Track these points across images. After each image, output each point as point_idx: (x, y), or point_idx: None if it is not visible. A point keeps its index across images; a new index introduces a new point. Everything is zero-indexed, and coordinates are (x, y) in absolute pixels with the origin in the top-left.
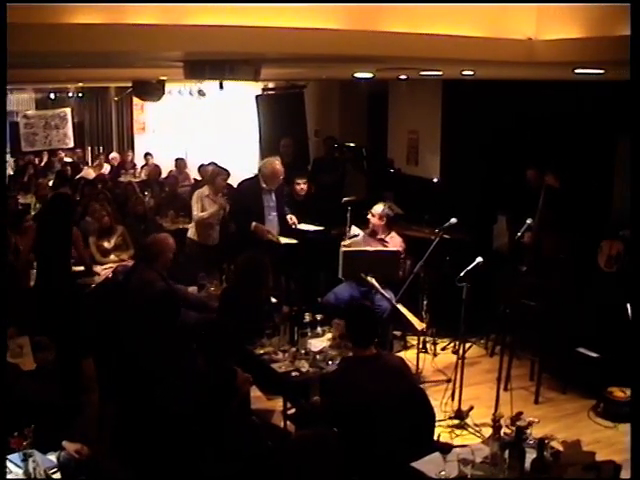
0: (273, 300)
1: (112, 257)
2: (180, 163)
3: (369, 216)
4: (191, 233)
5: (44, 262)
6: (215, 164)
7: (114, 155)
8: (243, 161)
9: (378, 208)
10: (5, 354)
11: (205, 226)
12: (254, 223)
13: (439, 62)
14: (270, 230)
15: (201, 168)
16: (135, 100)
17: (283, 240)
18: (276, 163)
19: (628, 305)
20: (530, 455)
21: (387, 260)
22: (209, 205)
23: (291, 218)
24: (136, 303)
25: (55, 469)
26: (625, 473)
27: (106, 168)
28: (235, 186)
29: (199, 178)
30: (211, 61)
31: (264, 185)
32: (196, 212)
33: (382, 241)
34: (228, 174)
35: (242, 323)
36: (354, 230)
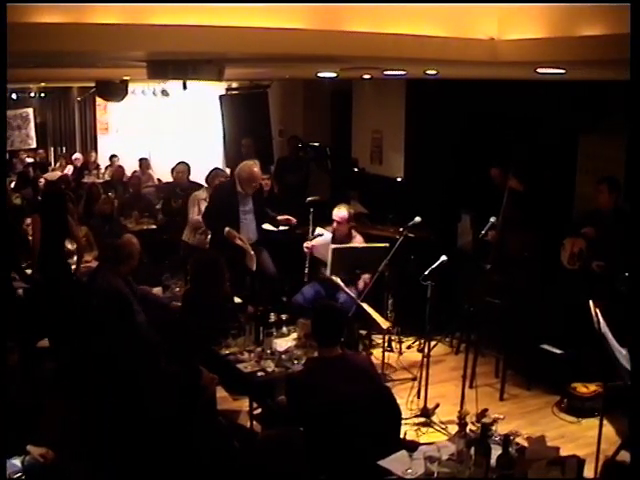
0: (238, 300)
1: (75, 258)
2: (143, 163)
3: (334, 224)
4: (185, 236)
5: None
6: (185, 164)
7: (77, 156)
8: (207, 161)
9: (343, 212)
10: (5, 355)
11: (196, 229)
12: (227, 228)
13: (403, 62)
14: (242, 236)
15: (176, 167)
16: (98, 100)
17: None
18: (254, 167)
19: (590, 302)
20: (496, 451)
21: (376, 255)
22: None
23: (288, 219)
24: (100, 304)
25: (20, 473)
26: (589, 467)
27: (69, 169)
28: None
29: (164, 179)
30: (174, 61)
31: (239, 189)
32: (191, 215)
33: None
34: (226, 176)
35: (205, 323)
36: (318, 230)
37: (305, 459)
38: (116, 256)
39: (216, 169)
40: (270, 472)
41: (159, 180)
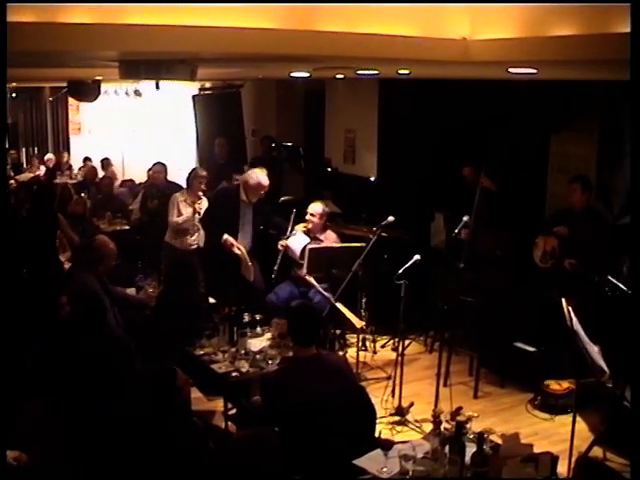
0: (212, 300)
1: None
2: (104, 163)
3: (308, 216)
4: (168, 238)
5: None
6: (162, 164)
7: (49, 156)
8: (180, 161)
9: (318, 207)
10: (5, 353)
11: (179, 231)
12: (225, 236)
13: (375, 61)
14: (240, 246)
15: (153, 168)
16: (70, 100)
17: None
18: (262, 175)
19: (563, 300)
20: (470, 449)
21: (351, 255)
22: (185, 210)
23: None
24: (73, 304)
25: None
26: (562, 463)
27: (41, 170)
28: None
29: (137, 179)
30: (147, 61)
31: (244, 197)
32: (171, 217)
33: (317, 239)
34: (206, 176)
35: (180, 324)
36: (298, 232)
37: (280, 459)
38: (91, 257)
39: (196, 169)
40: (245, 472)
41: (131, 180)
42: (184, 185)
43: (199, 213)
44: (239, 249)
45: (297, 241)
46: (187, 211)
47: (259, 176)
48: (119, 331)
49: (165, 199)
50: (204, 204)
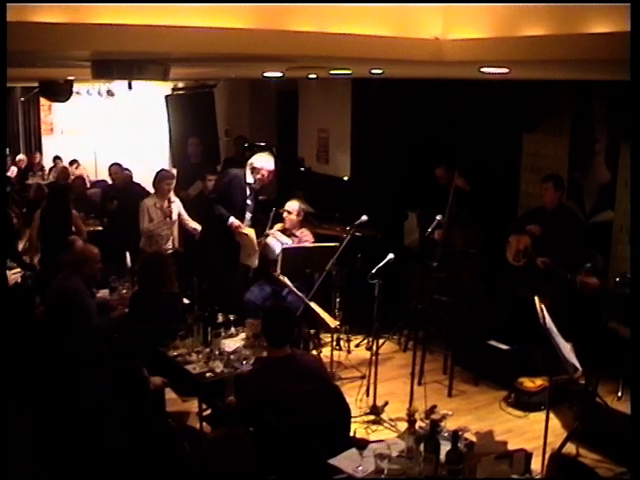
0: (186, 301)
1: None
2: (57, 162)
3: (285, 214)
4: (142, 244)
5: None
6: (119, 165)
7: (21, 157)
8: (153, 161)
9: (294, 205)
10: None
11: (152, 237)
12: (231, 218)
13: (348, 61)
14: (246, 228)
15: (110, 169)
16: (42, 101)
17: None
18: (268, 159)
19: (536, 298)
20: (445, 447)
21: (325, 255)
22: (156, 215)
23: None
24: (51, 304)
25: None
26: (536, 460)
27: (12, 170)
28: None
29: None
30: (119, 61)
31: (250, 180)
32: (142, 224)
33: (293, 236)
34: (173, 177)
35: (154, 324)
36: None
37: (254, 459)
38: (74, 261)
39: (161, 171)
40: (219, 472)
41: (104, 181)
42: (148, 186)
43: (170, 217)
44: (244, 230)
45: (277, 241)
46: (158, 215)
47: (265, 160)
48: (98, 332)
49: (126, 200)
50: (175, 206)
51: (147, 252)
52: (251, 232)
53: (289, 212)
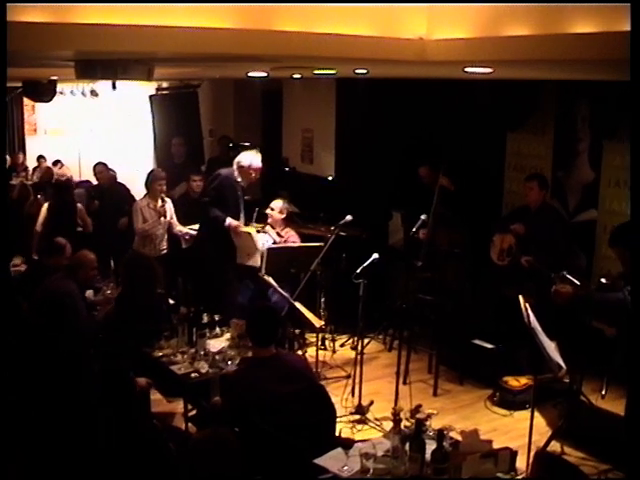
0: (170, 301)
1: None
2: (41, 161)
3: (268, 210)
4: (135, 245)
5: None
6: (104, 164)
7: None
8: (138, 162)
9: (278, 202)
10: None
11: (146, 238)
12: (228, 219)
13: (332, 61)
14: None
15: (95, 168)
16: (26, 100)
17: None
18: (255, 157)
19: (520, 297)
20: (430, 446)
21: (310, 254)
22: (150, 215)
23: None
24: (39, 304)
25: None
26: (521, 458)
27: None
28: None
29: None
30: (103, 60)
31: (239, 179)
32: (135, 224)
33: (278, 235)
34: (164, 177)
35: (140, 325)
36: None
37: (240, 459)
38: (70, 265)
39: (153, 171)
40: (205, 473)
41: (88, 181)
42: (132, 187)
43: (165, 216)
44: (244, 228)
45: (262, 240)
46: (152, 215)
47: (252, 158)
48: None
49: (110, 200)
50: (168, 206)
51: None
52: (252, 231)
53: (272, 209)
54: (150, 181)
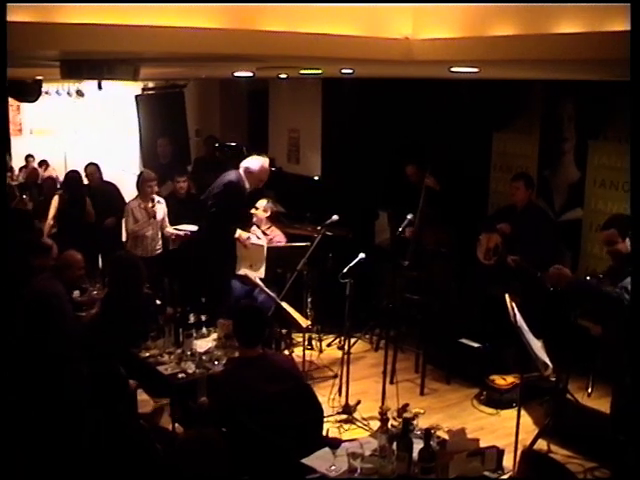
0: (157, 302)
1: None
2: (43, 164)
3: (253, 210)
4: (129, 246)
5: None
6: (96, 165)
7: None
8: (123, 162)
9: (262, 202)
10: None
11: (138, 238)
12: (238, 232)
13: (318, 60)
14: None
15: (87, 169)
16: (11, 100)
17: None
18: (266, 161)
19: (506, 295)
20: (417, 445)
21: (296, 254)
22: (141, 216)
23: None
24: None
25: None
26: (508, 457)
27: None
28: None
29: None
30: (88, 60)
31: (246, 184)
32: (126, 225)
33: (263, 233)
34: (154, 179)
35: (127, 325)
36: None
37: (227, 459)
38: (57, 265)
39: (143, 173)
40: (191, 473)
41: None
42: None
43: (155, 217)
44: (261, 244)
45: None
46: (142, 216)
47: (262, 163)
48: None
49: (101, 199)
50: (160, 207)
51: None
52: (263, 243)
53: (256, 208)
54: (140, 183)
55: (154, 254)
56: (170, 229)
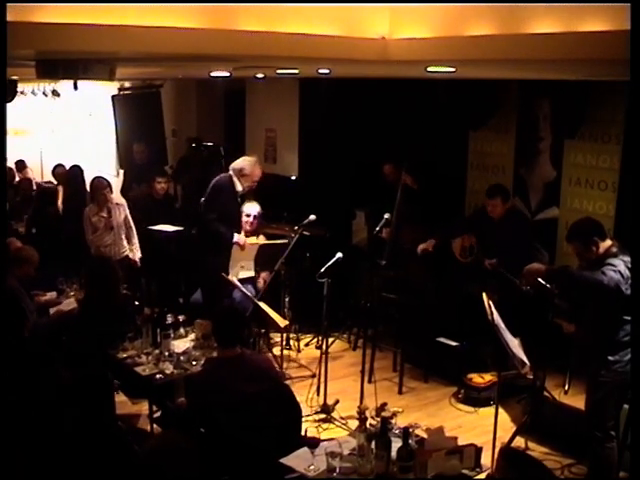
0: (135, 302)
1: None
2: (19, 165)
3: (245, 217)
4: (93, 252)
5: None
6: (62, 166)
7: None
8: (100, 162)
9: (256, 207)
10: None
11: (98, 248)
12: (236, 236)
13: (295, 60)
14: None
15: (55, 171)
16: None
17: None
18: (256, 164)
19: (484, 294)
20: (396, 444)
21: (273, 254)
22: (100, 225)
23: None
24: None
25: None
26: (486, 454)
27: None
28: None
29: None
30: (64, 60)
31: (239, 187)
32: (87, 235)
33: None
34: (106, 185)
35: (106, 327)
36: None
37: (203, 460)
38: (13, 257)
39: (94, 181)
40: (168, 474)
41: (50, 182)
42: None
43: (112, 228)
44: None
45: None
46: (101, 225)
47: (255, 166)
48: (40, 334)
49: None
50: (121, 210)
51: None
52: (261, 241)
53: (248, 215)
54: (92, 190)
55: (120, 257)
56: (135, 253)
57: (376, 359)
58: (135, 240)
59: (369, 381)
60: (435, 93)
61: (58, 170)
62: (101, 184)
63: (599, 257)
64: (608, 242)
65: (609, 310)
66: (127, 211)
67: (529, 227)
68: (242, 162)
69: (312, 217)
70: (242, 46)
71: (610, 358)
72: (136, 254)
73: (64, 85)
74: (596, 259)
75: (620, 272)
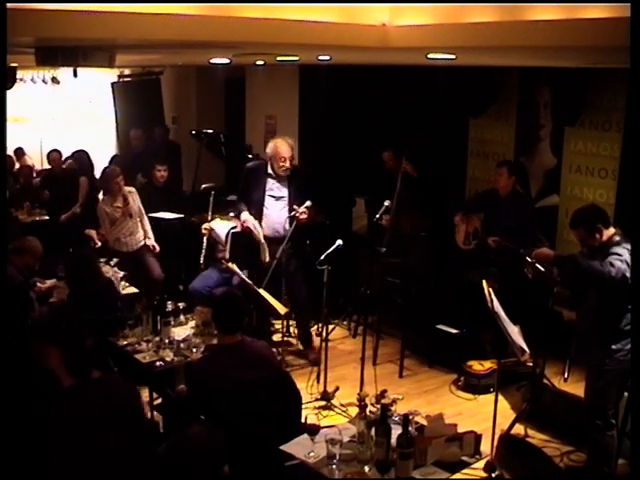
0: (134, 290)
1: None
2: (18, 153)
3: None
4: (110, 245)
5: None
6: (58, 151)
7: None
8: (100, 149)
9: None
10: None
11: (118, 240)
12: (244, 215)
13: (295, 47)
14: (256, 226)
15: (50, 156)
16: None
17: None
18: (281, 143)
19: (484, 281)
20: (396, 431)
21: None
22: (117, 214)
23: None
24: None
25: None
26: (485, 441)
27: None
28: None
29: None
30: (64, 47)
31: (270, 170)
32: (105, 231)
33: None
34: (119, 174)
35: (98, 316)
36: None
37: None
38: (14, 247)
39: (106, 171)
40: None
41: (50, 169)
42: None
43: (131, 216)
44: (254, 228)
45: (222, 225)
46: (119, 216)
47: (277, 145)
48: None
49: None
50: (134, 198)
51: (119, 252)
52: (257, 233)
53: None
54: (104, 181)
55: (139, 246)
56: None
57: (376, 346)
58: (148, 227)
59: (374, 364)
60: (435, 80)
61: (53, 155)
62: (114, 172)
63: (602, 244)
64: (612, 230)
65: (613, 299)
66: (139, 198)
67: (533, 212)
68: (268, 145)
69: (308, 203)
70: (242, 33)
71: (613, 347)
72: (152, 240)
73: (64, 72)
74: (599, 246)
75: (626, 261)
